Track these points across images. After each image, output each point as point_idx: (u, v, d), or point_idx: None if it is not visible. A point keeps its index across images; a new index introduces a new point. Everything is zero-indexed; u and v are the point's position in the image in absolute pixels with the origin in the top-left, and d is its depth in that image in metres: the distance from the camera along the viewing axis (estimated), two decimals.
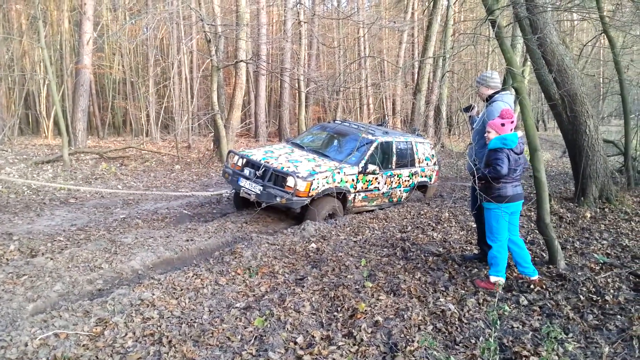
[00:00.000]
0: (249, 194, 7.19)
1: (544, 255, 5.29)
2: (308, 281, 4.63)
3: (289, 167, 7.18)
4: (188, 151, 15.82)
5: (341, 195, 7.64)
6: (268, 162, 7.33)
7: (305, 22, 19.75)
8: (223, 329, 3.68)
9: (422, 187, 9.43)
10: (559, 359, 3.16)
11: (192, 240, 6.25)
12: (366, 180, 7.89)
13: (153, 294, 4.24)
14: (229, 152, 8.12)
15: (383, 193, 8.36)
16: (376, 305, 4.07)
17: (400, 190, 8.77)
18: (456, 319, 3.89)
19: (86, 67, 15.01)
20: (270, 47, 19.15)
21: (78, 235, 6.38)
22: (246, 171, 7.47)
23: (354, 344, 3.45)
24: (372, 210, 8.29)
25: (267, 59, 16.37)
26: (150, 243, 5.90)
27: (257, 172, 7.28)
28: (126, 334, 3.58)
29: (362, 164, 7.76)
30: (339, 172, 7.39)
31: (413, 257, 5.37)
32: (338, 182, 7.38)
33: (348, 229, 6.65)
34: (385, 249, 5.72)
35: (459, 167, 14.61)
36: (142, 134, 19.34)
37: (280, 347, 3.38)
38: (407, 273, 4.87)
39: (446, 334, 3.68)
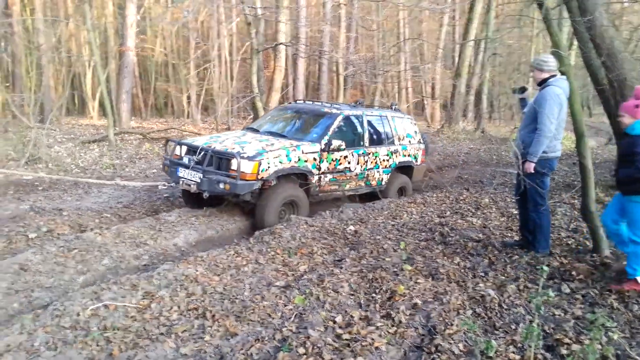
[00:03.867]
0: (189, 185, 6.17)
1: (588, 243, 5.17)
2: (346, 263, 4.67)
3: (233, 148, 6.25)
4: None
5: (302, 179, 6.65)
6: (210, 146, 6.33)
7: (344, 4, 19.57)
8: (264, 306, 3.77)
9: (407, 169, 8.47)
10: (602, 347, 3.11)
11: (233, 219, 6.39)
12: (332, 159, 6.88)
13: (196, 270, 4.37)
14: (167, 140, 7.25)
15: (357, 175, 7.39)
16: (414, 288, 4.08)
17: (378, 172, 7.79)
18: (496, 305, 3.87)
19: (130, 49, 15.35)
20: (310, 29, 19.09)
21: (124, 212, 6.62)
22: (185, 159, 6.44)
23: (393, 325, 3.49)
24: (340, 198, 7.53)
25: (306, 42, 16.35)
26: (192, 221, 6.06)
27: (195, 157, 6.26)
28: (171, 308, 3.72)
29: (324, 140, 6.75)
30: (294, 150, 6.39)
31: (452, 242, 5.34)
32: (295, 162, 6.38)
33: (386, 212, 6.64)
34: (423, 233, 5.71)
35: (499, 152, 14.33)
36: (183, 116, 19.71)
37: (320, 325, 3.44)
38: (445, 257, 4.86)
39: (485, 319, 3.67)
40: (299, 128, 7.42)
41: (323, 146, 6.73)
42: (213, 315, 3.59)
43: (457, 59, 20.95)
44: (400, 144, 8.20)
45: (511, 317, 3.70)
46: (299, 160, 6.45)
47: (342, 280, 4.24)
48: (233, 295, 3.96)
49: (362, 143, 7.52)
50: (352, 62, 18.10)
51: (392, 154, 8.01)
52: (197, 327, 3.44)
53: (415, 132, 8.67)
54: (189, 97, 19.96)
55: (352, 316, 3.60)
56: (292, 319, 3.58)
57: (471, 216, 6.50)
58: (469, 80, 19.06)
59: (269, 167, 6.03)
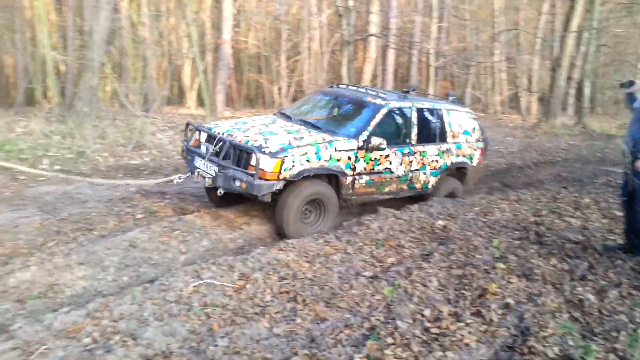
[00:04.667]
0: (204, 177, 5.53)
1: None
2: (435, 257, 4.63)
3: (255, 140, 5.42)
4: None
5: (333, 180, 5.79)
6: (231, 135, 5.59)
7: None
8: (352, 295, 3.86)
9: (460, 171, 7.47)
10: None
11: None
12: (371, 159, 5.98)
13: (287, 256, 4.54)
14: (187, 124, 6.36)
15: (398, 177, 6.41)
16: (507, 288, 3.97)
17: (425, 174, 6.78)
18: (595, 310, 3.68)
19: (226, 42, 16.02)
20: (400, 20, 18.86)
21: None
22: (203, 147, 5.82)
23: (483, 323, 3.43)
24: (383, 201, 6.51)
25: (397, 33, 16.16)
26: None
27: (212, 147, 5.58)
28: (265, 290, 3.90)
29: (363, 137, 5.87)
30: (326, 147, 5.55)
31: (548, 243, 5.11)
32: (326, 160, 5.52)
33: (477, 208, 6.47)
34: (516, 232, 5.51)
35: (603, 150, 13.38)
36: (273, 107, 20.29)
37: (408, 317, 3.46)
38: (541, 258, 4.66)
39: (583, 324, 3.51)
40: (335, 118, 6.63)
41: (361, 143, 5.84)
42: (304, 300, 3.73)
43: (556, 49, 19.76)
44: (454, 142, 7.10)
45: (612, 324, 3.51)
46: (331, 158, 5.57)
47: (431, 274, 4.22)
48: (322, 282, 4.08)
49: (408, 140, 6.52)
50: (444, 53, 17.67)
51: (443, 154, 6.95)
52: (289, 310, 3.59)
53: (474, 128, 7.52)
54: (279, 88, 20.51)
55: (440, 311, 3.59)
56: (379, 309, 3.63)
57: (570, 216, 6.17)
58: (569, 72, 17.91)
59: (293, 165, 5.23)
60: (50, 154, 8.78)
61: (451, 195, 7.32)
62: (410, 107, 6.58)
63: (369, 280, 4.15)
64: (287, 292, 3.86)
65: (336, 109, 6.85)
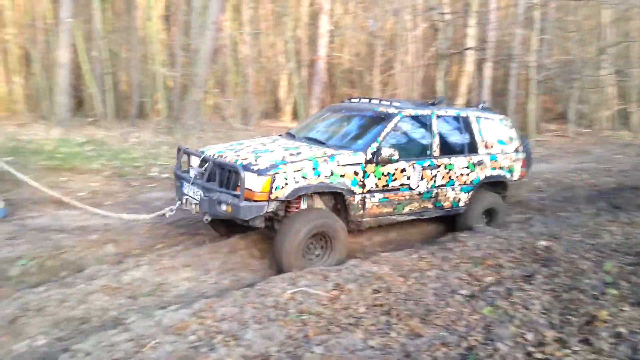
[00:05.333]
0: (192, 204, 5.03)
1: None
2: (537, 279, 4.40)
3: (245, 159, 4.91)
4: None
5: (339, 200, 5.22)
6: (221, 156, 5.12)
7: (539, 6, 18.29)
8: (448, 312, 3.77)
9: (498, 186, 6.66)
10: None
11: (414, 223, 6.48)
12: (383, 174, 5.32)
13: (381, 269, 4.54)
14: (178, 148, 5.83)
15: (420, 194, 5.73)
16: (619, 316, 3.68)
17: (453, 190, 6.06)
18: None
19: (321, 58, 16.44)
20: (499, 32, 18.27)
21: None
22: (191, 172, 5.37)
23: (592, 352, 3.21)
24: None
25: (495, 46, 15.66)
26: None
27: (198, 169, 5.18)
28: (358, 301, 3.93)
29: (372, 149, 5.25)
30: (326, 161, 4.93)
31: None
32: (326, 176, 4.89)
33: (583, 230, 6.07)
34: (629, 257, 5.08)
35: None
36: None
37: (508, 340, 3.32)
38: None
39: None
40: (344, 133, 5.96)
41: (369, 156, 5.21)
42: (398, 314, 3.70)
43: None
44: (487, 153, 6.37)
45: None
46: (332, 174, 4.94)
47: (533, 297, 4.01)
48: (417, 298, 4.02)
49: (429, 152, 5.84)
50: (545, 66, 16.83)
51: (474, 166, 6.20)
52: (383, 323, 3.59)
53: (511, 137, 6.73)
54: None
55: (544, 335, 3.40)
56: (478, 329, 3.52)
57: None
58: None
59: (286, 183, 4.64)
60: (159, 163, 9.47)
61: (490, 213, 6.58)
62: (429, 115, 5.92)
63: (465, 299, 4.03)
64: (381, 305, 3.86)
65: (344, 124, 6.20)
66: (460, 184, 6.12)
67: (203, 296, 4.20)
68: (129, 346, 3.24)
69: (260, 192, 4.54)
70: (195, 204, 4.96)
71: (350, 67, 22.93)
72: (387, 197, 5.46)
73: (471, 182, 6.23)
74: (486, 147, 6.38)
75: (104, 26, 14.82)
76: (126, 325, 3.54)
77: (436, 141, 5.90)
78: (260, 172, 4.60)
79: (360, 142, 5.45)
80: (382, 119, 5.66)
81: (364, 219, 5.36)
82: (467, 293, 4.16)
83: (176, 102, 13.96)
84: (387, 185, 5.41)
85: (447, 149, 6.02)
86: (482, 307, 3.85)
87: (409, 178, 5.60)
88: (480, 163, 6.27)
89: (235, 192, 4.64)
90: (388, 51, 21.09)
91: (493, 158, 6.42)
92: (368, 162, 5.21)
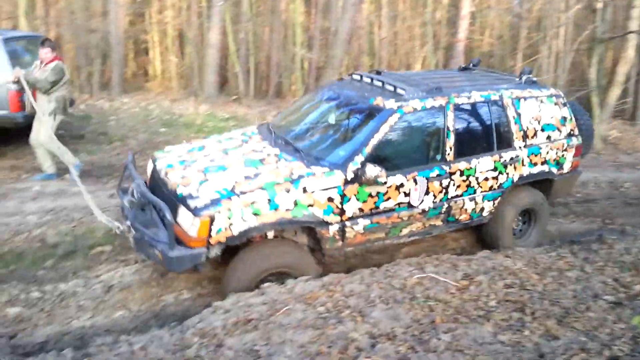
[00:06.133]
0: (130, 238, 4.12)
1: None
2: None
3: (189, 182, 3.93)
4: None
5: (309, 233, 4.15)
6: (168, 173, 4.20)
7: None
8: (589, 317, 3.50)
9: (541, 182, 5.24)
10: None
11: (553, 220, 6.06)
12: (371, 195, 4.16)
13: (515, 264, 4.33)
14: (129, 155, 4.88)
15: (424, 212, 4.51)
16: None
17: (473, 200, 4.77)
18: None
19: (461, 40, 15.82)
20: None
21: None
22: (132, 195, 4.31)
23: None
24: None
25: None
26: None
27: (130, 196, 4.29)
28: (489, 294, 3.79)
29: (355, 164, 4.06)
30: (288, 190, 3.84)
31: None
32: (287, 210, 3.83)
33: None
34: None
35: None
36: None
37: None
38: None
39: None
40: (323, 134, 4.80)
41: (351, 175, 4.04)
42: (532, 313, 3.52)
43: None
44: (525, 145, 4.97)
45: None
46: (297, 205, 3.86)
47: None
48: (554, 298, 3.78)
49: (439, 157, 4.54)
50: None
51: (505, 167, 4.85)
52: (515, 320, 3.43)
53: (563, 119, 5.23)
54: None
55: None
56: (624, 339, 3.22)
57: None
58: None
59: (231, 224, 3.67)
60: None
61: (528, 213, 5.33)
62: (442, 106, 4.52)
63: (610, 305, 3.71)
64: (514, 302, 3.68)
65: (332, 117, 4.91)
66: (483, 191, 4.81)
67: (332, 271, 4.32)
68: (264, 309, 3.48)
69: (197, 237, 3.62)
70: (133, 238, 4.07)
71: (491, 51, 21.77)
72: (377, 222, 4.27)
73: (500, 186, 4.88)
74: (525, 137, 4.98)
75: (251, 9, 15.67)
76: (263, 290, 3.79)
77: (451, 141, 4.55)
78: (196, 212, 3.62)
79: (340, 152, 4.24)
80: (374, 115, 4.35)
81: (346, 249, 4.29)
82: (612, 299, 3.81)
83: (312, 83, 14.39)
84: (376, 207, 4.23)
85: (467, 148, 4.69)
86: (629, 316, 3.51)
87: (407, 195, 4.34)
88: (514, 160, 4.89)
89: (167, 234, 3.66)
90: (534, 34, 19.65)
91: (534, 151, 5.01)
92: (349, 182, 4.02)
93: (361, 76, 5.14)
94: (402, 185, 4.28)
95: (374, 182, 4.00)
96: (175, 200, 3.83)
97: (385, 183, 4.13)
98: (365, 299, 3.62)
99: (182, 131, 9.77)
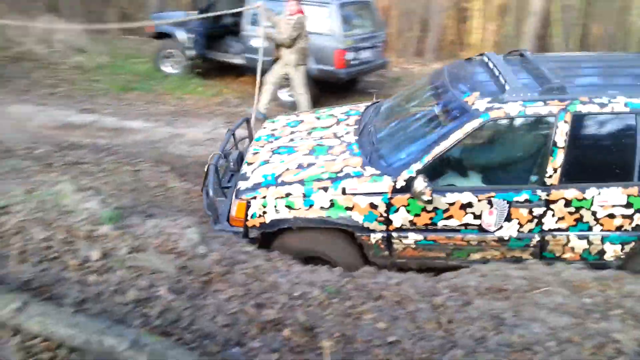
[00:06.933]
0: None
1: None
2: None
3: (253, 160, 4.19)
4: None
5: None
6: (250, 148, 4.54)
7: None
8: None
9: None
10: None
11: None
12: (425, 209, 3.54)
13: None
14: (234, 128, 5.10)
15: (502, 240, 3.65)
16: None
17: (584, 239, 3.64)
18: None
19: None
20: None
21: None
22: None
23: None
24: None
25: None
26: None
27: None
28: None
29: (409, 172, 3.51)
30: (326, 189, 3.60)
31: None
32: (323, 208, 3.59)
33: None
34: None
35: None
36: None
37: None
38: None
39: None
40: (405, 130, 4.18)
41: (402, 183, 3.55)
42: None
43: None
44: None
45: None
46: (333, 206, 3.61)
47: None
48: None
49: (535, 178, 3.63)
50: None
51: None
52: None
53: None
54: None
55: None
56: None
57: None
58: None
59: (264, 212, 3.69)
60: None
61: None
62: (554, 115, 3.49)
63: None
64: None
65: (417, 109, 4.34)
66: (606, 230, 3.66)
67: None
68: (522, 283, 3.35)
69: (235, 217, 3.80)
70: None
71: None
72: (434, 240, 3.70)
73: (635, 228, 3.63)
74: None
75: None
76: (526, 265, 3.64)
77: (557, 159, 3.53)
78: (238, 193, 3.85)
79: (402, 154, 3.76)
80: (455, 117, 3.65)
81: (397, 260, 3.82)
82: None
83: None
84: (434, 224, 3.64)
85: (582, 171, 3.60)
86: None
87: (478, 217, 3.61)
88: None
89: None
90: None
91: None
92: (397, 190, 3.57)
93: (489, 58, 4.30)
94: (469, 204, 3.59)
95: (419, 198, 3.48)
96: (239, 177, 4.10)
97: (431, 202, 3.53)
98: None
99: None
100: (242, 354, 2.36)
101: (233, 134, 4.93)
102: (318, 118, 4.90)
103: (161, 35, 9.44)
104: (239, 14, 8.52)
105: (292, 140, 4.43)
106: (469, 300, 3.12)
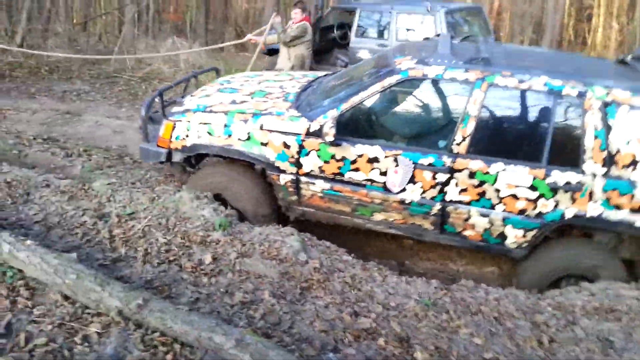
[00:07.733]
0: None
1: None
2: None
3: (196, 94, 4.44)
4: None
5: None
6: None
7: None
8: None
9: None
10: None
11: None
12: (334, 157, 3.61)
13: None
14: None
15: (404, 202, 3.59)
16: None
17: (486, 216, 3.49)
18: None
19: None
20: None
21: None
22: None
23: None
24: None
25: None
26: None
27: None
28: None
29: (324, 118, 3.59)
30: (246, 121, 3.76)
31: None
32: (239, 139, 3.76)
33: None
34: None
35: None
36: None
37: None
38: None
39: None
40: (347, 87, 3.90)
41: (316, 127, 3.61)
42: None
43: None
44: (605, 174, 3.28)
45: None
46: (249, 138, 3.76)
47: None
48: None
49: (444, 143, 3.52)
50: None
51: (554, 192, 3.34)
52: None
53: None
54: None
55: None
56: None
57: None
58: None
59: (187, 135, 3.92)
60: None
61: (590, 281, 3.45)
62: (470, 82, 3.45)
63: None
64: None
65: (364, 70, 4.25)
66: (510, 212, 3.50)
67: None
68: (635, 304, 3.12)
69: (161, 137, 4.03)
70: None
71: None
72: (339, 191, 3.74)
73: (539, 215, 3.45)
74: (610, 162, 3.30)
75: None
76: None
77: (469, 127, 3.47)
78: (168, 115, 4.08)
79: (325, 102, 3.80)
80: (374, 73, 3.80)
81: (301, 208, 3.94)
82: None
83: None
84: (340, 174, 3.69)
85: (494, 145, 3.58)
86: None
87: (383, 174, 3.60)
88: (572, 188, 3.34)
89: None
90: None
91: (621, 188, 3.28)
92: (310, 133, 3.66)
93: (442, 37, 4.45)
94: (376, 159, 3.59)
95: (323, 138, 3.57)
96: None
97: (334, 144, 3.57)
98: None
99: None
100: None
101: (195, 76, 5.34)
102: (277, 75, 5.18)
103: (271, 52, 9.89)
104: (347, 27, 8.80)
105: (241, 85, 4.65)
106: (574, 320, 2.97)
